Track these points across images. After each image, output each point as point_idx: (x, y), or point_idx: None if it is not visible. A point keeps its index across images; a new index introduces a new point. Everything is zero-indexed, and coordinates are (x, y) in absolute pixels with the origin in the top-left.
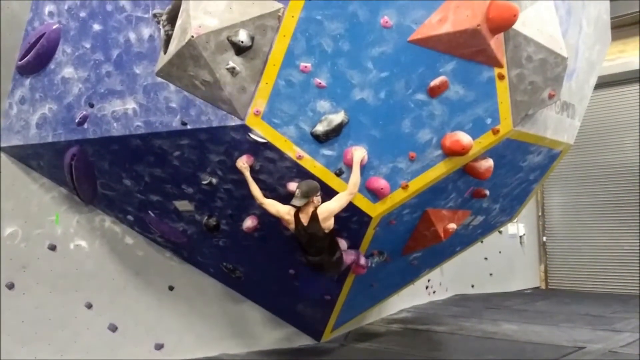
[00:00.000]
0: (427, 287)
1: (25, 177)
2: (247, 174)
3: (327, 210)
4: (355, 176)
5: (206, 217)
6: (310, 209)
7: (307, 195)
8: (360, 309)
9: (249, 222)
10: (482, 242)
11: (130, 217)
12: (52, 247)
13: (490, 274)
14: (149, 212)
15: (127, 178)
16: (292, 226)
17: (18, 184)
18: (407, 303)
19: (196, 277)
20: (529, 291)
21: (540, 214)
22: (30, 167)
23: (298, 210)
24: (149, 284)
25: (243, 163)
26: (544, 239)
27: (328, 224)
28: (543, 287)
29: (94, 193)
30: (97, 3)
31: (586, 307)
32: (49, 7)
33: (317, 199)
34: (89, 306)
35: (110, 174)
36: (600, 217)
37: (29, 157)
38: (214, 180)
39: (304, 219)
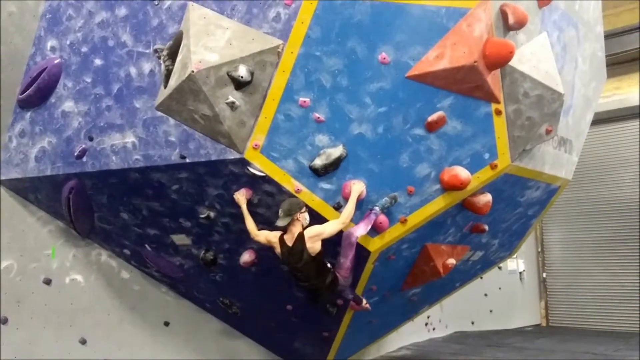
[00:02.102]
0: (426, 324)
1: (22, 210)
2: (244, 206)
3: (315, 232)
4: (350, 206)
5: (203, 252)
6: (296, 230)
7: (289, 212)
8: (358, 346)
9: (246, 257)
10: (481, 277)
11: (126, 251)
12: (48, 282)
13: (491, 311)
14: (146, 246)
15: (125, 211)
16: (278, 250)
17: (15, 217)
18: (406, 340)
19: (192, 312)
20: (529, 328)
21: (539, 249)
22: (27, 200)
23: (284, 233)
24: (145, 320)
25: (240, 195)
26: (544, 275)
27: (314, 246)
28: (544, 324)
29: (91, 227)
30: (99, 38)
31: (588, 345)
32: (51, 42)
33: (302, 216)
34: (83, 342)
35: (107, 208)
36: (600, 253)
37: (26, 190)
38: (212, 214)
39: (289, 240)
